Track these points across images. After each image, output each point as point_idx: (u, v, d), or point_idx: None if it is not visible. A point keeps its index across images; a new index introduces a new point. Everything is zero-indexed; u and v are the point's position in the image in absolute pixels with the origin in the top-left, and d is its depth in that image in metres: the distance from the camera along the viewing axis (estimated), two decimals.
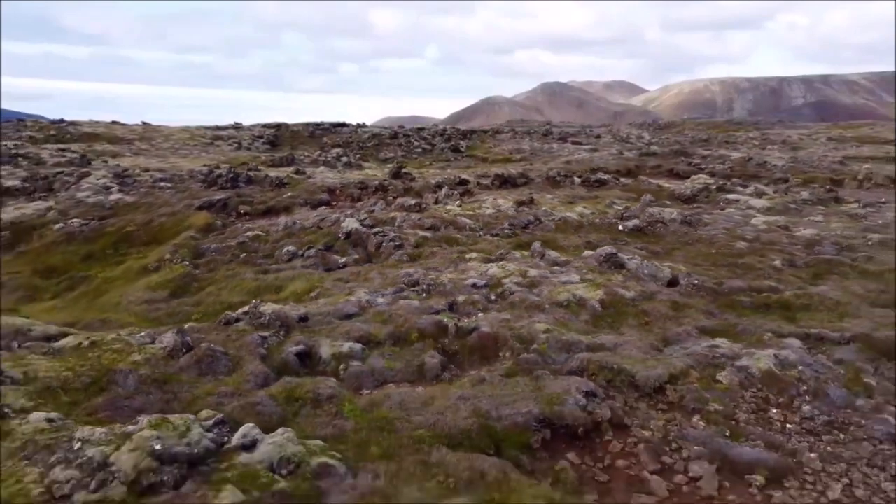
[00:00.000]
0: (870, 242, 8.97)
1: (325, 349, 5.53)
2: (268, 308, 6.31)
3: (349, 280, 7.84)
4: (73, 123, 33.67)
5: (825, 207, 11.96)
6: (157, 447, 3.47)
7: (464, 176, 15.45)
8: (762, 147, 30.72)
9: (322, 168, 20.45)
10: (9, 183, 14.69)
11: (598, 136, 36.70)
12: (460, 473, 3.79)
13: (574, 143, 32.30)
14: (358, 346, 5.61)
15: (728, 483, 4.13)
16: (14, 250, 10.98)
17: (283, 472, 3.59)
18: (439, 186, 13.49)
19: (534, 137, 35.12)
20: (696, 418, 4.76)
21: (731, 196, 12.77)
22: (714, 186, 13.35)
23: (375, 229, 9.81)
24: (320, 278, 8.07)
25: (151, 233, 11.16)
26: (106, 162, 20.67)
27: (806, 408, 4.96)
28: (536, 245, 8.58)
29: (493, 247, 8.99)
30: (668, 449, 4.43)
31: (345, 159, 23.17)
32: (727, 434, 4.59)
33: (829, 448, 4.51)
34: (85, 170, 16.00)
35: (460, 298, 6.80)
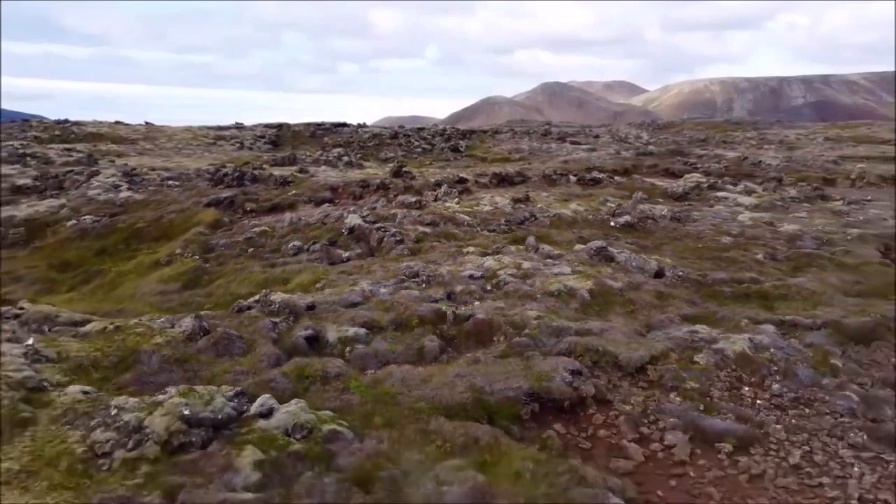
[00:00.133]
0: (849, 237, 9.40)
1: (332, 333, 5.96)
2: (277, 297, 6.74)
3: (353, 272, 8.25)
4: (77, 123, 34.07)
5: (811, 205, 12.38)
6: (186, 412, 3.90)
7: (463, 175, 15.87)
8: (759, 147, 31.08)
9: (324, 167, 20.86)
10: (21, 182, 15.11)
11: (597, 136, 37.08)
12: (456, 439, 4.21)
13: (573, 142, 32.68)
14: (362, 330, 6.02)
15: (699, 450, 4.55)
16: (29, 246, 11.40)
17: (298, 436, 4.01)
18: (439, 185, 13.91)
19: (533, 137, 35.51)
20: (673, 395, 5.19)
21: (721, 194, 13.20)
22: (705, 185, 13.78)
23: (377, 225, 10.23)
24: (325, 271, 8.49)
25: (161, 229, 11.58)
26: (113, 162, 21.10)
27: (775, 386, 5.39)
28: (531, 240, 9.00)
29: (490, 241, 9.41)
30: (646, 421, 4.85)
31: (346, 159, 23.58)
32: (701, 408, 5.01)
33: (793, 420, 4.93)
34: (94, 169, 16.42)
35: (458, 288, 7.22)
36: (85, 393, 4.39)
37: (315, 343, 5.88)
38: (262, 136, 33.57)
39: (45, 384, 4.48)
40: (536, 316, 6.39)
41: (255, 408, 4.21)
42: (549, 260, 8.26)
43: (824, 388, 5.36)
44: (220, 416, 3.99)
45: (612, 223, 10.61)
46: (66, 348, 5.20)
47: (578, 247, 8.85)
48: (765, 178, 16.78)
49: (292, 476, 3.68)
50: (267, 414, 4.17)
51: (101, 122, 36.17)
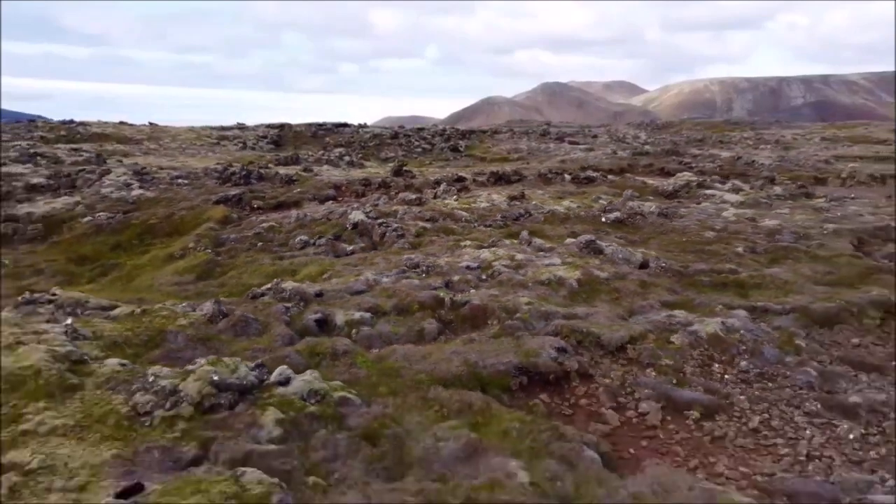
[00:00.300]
0: (825, 232, 9.93)
1: (340, 317, 6.50)
2: (288, 285, 7.30)
3: (357, 264, 8.80)
4: (82, 124, 34.57)
5: (794, 202, 12.92)
6: (215, 378, 4.44)
7: (461, 174, 16.41)
8: (755, 147, 31.52)
9: (326, 167, 21.38)
10: (35, 180, 15.65)
11: (595, 136, 37.57)
12: (452, 405, 4.75)
13: (571, 142, 33.18)
14: (367, 314, 6.57)
15: (670, 417, 5.09)
16: (47, 241, 11.94)
17: (312, 401, 4.55)
18: (438, 183, 14.45)
19: (531, 137, 36.02)
20: (649, 370, 5.73)
21: (709, 192, 13.73)
22: (695, 183, 14.31)
23: (379, 221, 10.77)
24: (331, 263, 9.03)
25: (173, 225, 12.12)
26: (121, 161, 21.64)
27: (743, 363, 5.93)
28: (524, 234, 9.54)
29: (486, 236, 9.96)
30: (623, 392, 5.39)
31: (347, 158, 24.10)
32: (674, 382, 5.55)
33: (756, 392, 5.47)
34: (105, 168, 16.96)
35: (455, 278, 7.76)
36: (122, 365, 4.94)
37: (324, 325, 6.42)
38: (265, 137, 34.06)
39: (86, 357, 5.02)
40: (527, 302, 6.93)
41: (274, 377, 4.75)
42: (541, 252, 8.80)
43: (787, 365, 5.91)
44: (244, 383, 4.54)
45: (603, 219, 11.15)
46: (100, 328, 5.75)
47: (569, 240, 9.40)
48: (758, 177, 17.30)
49: (309, 432, 4.23)
50: (285, 382, 4.71)
51: (105, 123, 36.68)
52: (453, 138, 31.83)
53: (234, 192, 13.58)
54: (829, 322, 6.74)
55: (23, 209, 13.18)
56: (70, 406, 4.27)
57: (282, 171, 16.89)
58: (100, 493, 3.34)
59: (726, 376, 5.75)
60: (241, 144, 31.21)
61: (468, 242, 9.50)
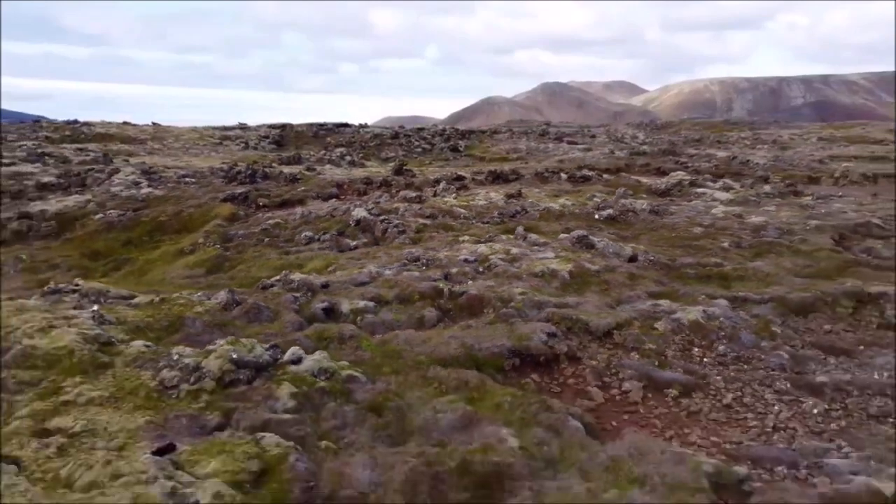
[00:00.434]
0: (808, 227, 10.37)
1: (345, 305, 6.94)
2: (296, 277, 7.74)
3: (361, 258, 9.23)
4: (86, 124, 35.02)
5: (781, 199, 13.35)
6: (234, 356, 4.88)
7: (460, 173, 16.85)
8: (752, 147, 31.89)
9: (328, 166, 21.82)
10: (45, 179, 16.09)
11: (594, 136, 38.00)
12: (450, 382, 5.19)
13: (570, 142, 33.61)
14: (371, 303, 7.00)
15: (650, 394, 5.52)
16: (61, 237, 12.38)
17: (322, 377, 4.98)
18: (438, 182, 14.89)
19: (530, 137, 36.46)
20: (633, 354, 6.16)
21: (700, 190, 14.17)
22: (687, 182, 14.75)
23: (381, 217, 11.21)
24: (335, 257, 9.47)
25: (182, 222, 12.55)
26: (127, 161, 22.08)
27: (721, 347, 6.36)
28: (520, 229, 9.98)
29: (484, 231, 10.39)
30: (608, 373, 5.82)
31: (348, 158, 24.54)
32: (656, 364, 5.99)
33: (732, 373, 5.90)
34: (113, 167, 17.40)
35: (453, 270, 8.20)
36: (146, 346, 5.38)
37: (331, 313, 6.86)
38: (267, 137, 34.50)
39: (113, 339, 5.46)
40: (521, 292, 7.37)
41: (287, 356, 5.18)
42: (535, 247, 9.24)
43: (762, 349, 6.34)
44: (260, 361, 4.98)
45: (597, 216, 11.58)
46: (124, 315, 6.19)
47: (563, 236, 9.83)
48: (752, 176, 17.72)
49: (320, 405, 4.66)
50: (297, 361, 5.14)
51: (109, 123, 37.11)
52: (453, 138, 32.26)
53: (240, 190, 14.02)
54: (804, 310, 7.18)
55: (36, 207, 13.62)
56: (103, 381, 4.71)
57: (286, 170, 17.33)
58: (137, 452, 3.77)
59: (705, 359, 6.18)
60: (243, 144, 31.65)
61: (466, 238, 9.94)
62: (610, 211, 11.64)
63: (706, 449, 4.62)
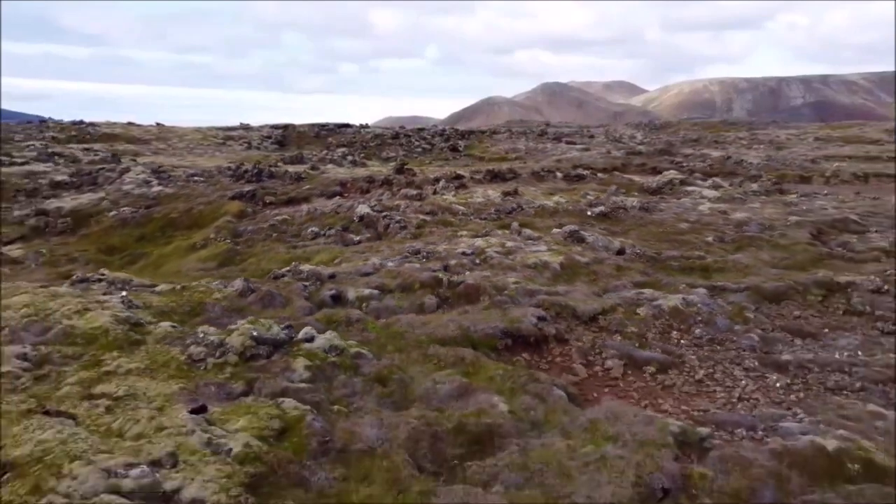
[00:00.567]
0: (788, 223, 10.92)
1: (351, 293, 7.49)
2: (305, 268, 8.30)
3: (364, 252, 9.79)
4: (91, 124, 35.56)
5: (767, 197, 13.90)
6: (255, 334, 5.44)
7: (460, 172, 17.40)
8: (749, 147, 32.34)
9: (330, 165, 22.36)
10: (58, 178, 16.66)
11: (592, 137, 38.50)
12: (447, 359, 5.75)
13: (568, 142, 34.10)
14: (375, 291, 7.56)
15: (630, 371, 6.08)
16: (77, 233, 12.94)
17: (333, 354, 5.54)
18: (437, 180, 15.44)
19: (529, 137, 36.97)
20: (616, 336, 6.72)
21: (690, 188, 14.73)
22: (678, 181, 15.30)
23: (383, 214, 11.77)
24: (341, 251, 10.02)
25: (192, 218, 13.11)
26: (134, 160, 22.64)
27: (697, 331, 6.92)
28: (515, 225, 10.54)
29: (481, 227, 10.95)
30: (592, 353, 6.38)
31: (350, 158, 25.07)
32: (637, 345, 6.54)
33: (706, 353, 6.46)
34: (124, 166, 17.96)
35: (452, 262, 8.75)
36: (173, 326, 5.94)
37: (338, 300, 7.41)
38: (269, 137, 35.00)
39: (143, 321, 6.02)
40: (515, 282, 7.93)
41: (300, 335, 5.74)
42: (529, 241, 9.79)
43: (735, 332, 6.90)
44: (277, 338, 5.54)
45: (589, 213, 12.14)
46: (149, 300, 6.75)
47: (556, 231, 10.39)
48: (745, 175, 18.26)
49: (331, 376, 5.22)
50: (310, 339, 5.70)
51: (114, 123, 37.65)
52: (453, 138, 32.79)
53: (247, 188, 14.58)
54: (777, 298, 7.74)
55: (52, 204, 14.18)
56: (138, 355, 5.27)
57: (290, 169, 17.89)
58: (174, 412, 4.33)
59: (682, 341, 6.74)
60: (246, 144, 32.17)
61: (464, 233, 10.49)
62: (602, 208, 12.19)
63: (676, 416, 5.17)
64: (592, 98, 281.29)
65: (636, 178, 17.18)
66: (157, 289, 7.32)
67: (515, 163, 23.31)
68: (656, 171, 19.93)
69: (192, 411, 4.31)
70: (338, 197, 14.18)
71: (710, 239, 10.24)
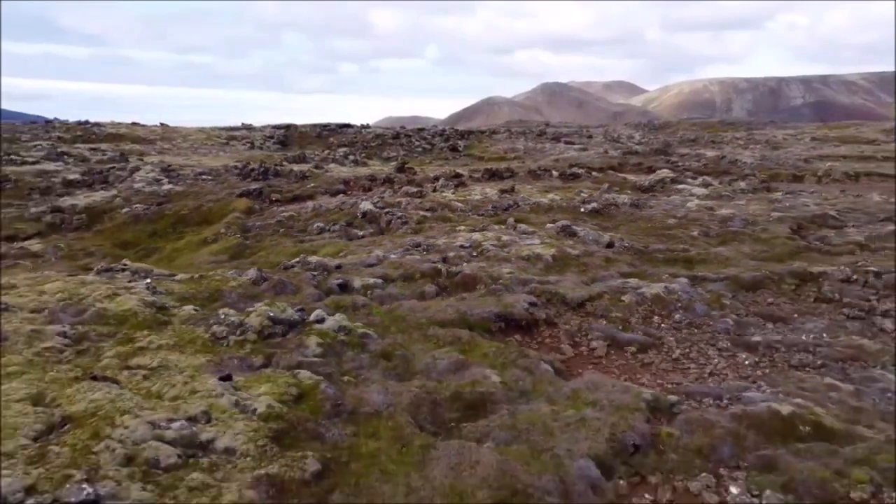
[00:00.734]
0: (770, 219, 11.49)
1: (357, 282, 8.05)
2: (313, 259, 8.86)
3: (368, 245, 10.35)
4: (97, 124, 36.14)
5: (753, 195, 14.47)
6: (271, 314, 6.01)
7: (459, 171, 17.98)
8: (745, 146, 32.86)
9: (333, 165, 22.94)
10: (70, 177, 17.23)
11: (591, 137, 39.06)
12: (446, 338, 6.31)
13: (566, 142, 34.67)
14: (379, 280, 8.12)
15: (613, 351, 6.64)
16: (92, 229, 13.50)
17: (342, 333, 6.10)
18: (437, 179, 16.01)
19: (528, 137, 37.54)
20: (601, 320, 7.28)
21: (681, 186, 15.29)
22: (669, 179, 15.86)
23: (385, 210, 12.33)
24: (345, 244, 10.59)
25: (202, 215, 13.68)
26: (141, 159, 23.22)
27: (677, 316, 7.48)
28: (510, 220, 11.11)
29: (478, 222, 11.51)
30: (579, 335, 6.94)
31: (352, 157, 25.65)
32: (620, 328, 7.11)
33: (684, 335, 7.02)
34: (134, 165, 18.53)
35: (451, 254, 9.32)
36: (196, 309, 6.51)
37: (345, 288, 7.97)
38: (271, 137, 35.55)
39: (167, 305, 6.59)
40: (509, 272, 8.49)
41: (312, 317, 6.31)
42: (524, 235, 10.36)
43: (712, 317, 7.46)
44: (292, 319, 6.10)
45: (582, 209, 12.70)
46: (171, 287, 7.31)
47: (549, 225, 10.96)
48: (738, 175, 18.80)
49: (341, 352, 5.79)
50: (320, 321, 6.27)
51: (119, 123, 38.23)
52: (452, 138, 33.35)
53: (254, 186, 15.15)
54: (753, 287, 8.30)
55: (66, 202, 14.75)
56: (166, 333, 5.84)
57: (295, 168, 18.46)
58: (204, 379, 4.89)
59: (662, 325, 7.30)
60: (249, 144, 32.74)
61: (462, 227, 11.06)
62: (594, 205, 12.76)
63: (651, 387, 5.73)
64: (592, 98, 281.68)
65: (630, 176, 17.75)
66: (177, 277, 7.88)
67: (513, 162, 23.89)
68: (651, 171, 20.48)
69: (221, 378, 4.87)
70: (341, 194, 14.74)
71: (695, 233, 10.80)
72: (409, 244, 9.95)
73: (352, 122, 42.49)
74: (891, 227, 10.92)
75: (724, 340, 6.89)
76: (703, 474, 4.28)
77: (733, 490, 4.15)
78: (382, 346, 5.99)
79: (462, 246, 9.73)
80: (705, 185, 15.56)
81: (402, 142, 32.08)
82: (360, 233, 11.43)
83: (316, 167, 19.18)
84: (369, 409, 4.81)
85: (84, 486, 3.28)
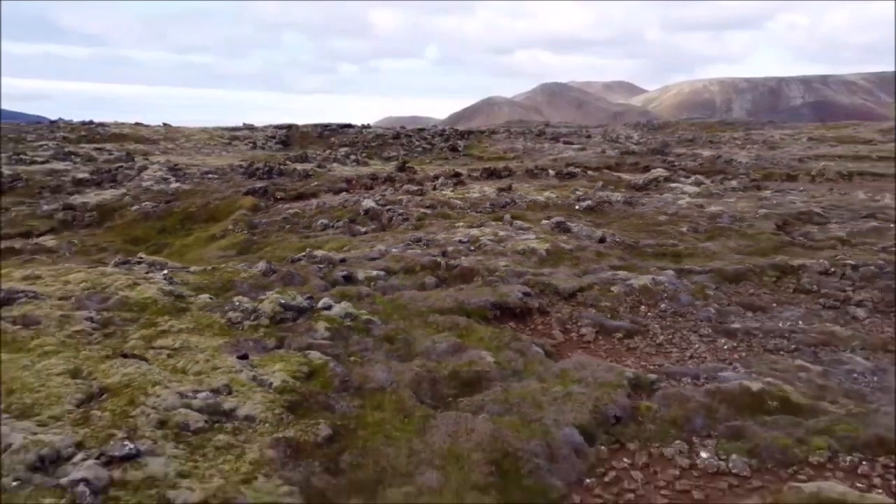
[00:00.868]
0: (757, 215, 11.94)
1: (361, 274, 8.51)
2: (318, 253, 9.32)
3: (370, 240, 10.81)
4: (101, 125, 36.58)
5: (743, 193, 14.93)
6: (282, 302, 6.47)
7: (458, 170, 18.44)
8: (742, 146, 33.24)
9: (335, 164, 23.39)
10: (80, 176, 17.70)
11: (590, 137, 39.49)
12: (445, 324, 6.77)
13: (565, 142, 35.10)
14: (382, 272, 8.58)
15: (601, 337, 7.10)
16: (103, 226, 13.97)
17: (348, 319, 6.56)
18: (437, 177, 16.47)
19: (528, 137, 37.98)
20: (591, 309, 7.74)
21: (674, 184, 15.75)
22: (663, 178, 16.32)
23: (387, 207, 12.79)
24: (349, 240, 11.04)
25: (209, 212, 14.13)
26: (147, 159, 23.68)
27: (663, 305, 7.93)
28: (507, 216, 11.57)
29: (476, 219, 11.97)
30: (570, 322, 7.40)
31: (353, 157, 26.10)
32: (609, 316, 7.56)
33: (668, 323, 7.48)
34: (141, 164, 18.99)
35: (450, 249, 9.78)
36: (211, 298, 6.97)
37: (349, 279, 8.43)
38: (273, 137, 35.97)
39: (184, 294, 7.05)
40: (505, 265, 8.95)
41: (320, 304, 6.77)
42: (520, 231, 10.82)
43: (695, 307, 7.92)
44: (301, 306, 6.56)
45: (577, 207, 13.16)
46: (186, 278, 7.77)
47: (544, 222, 11.42)
48: (733, 174, 19.25)
49: (347, 336, 6.25)
50: (328, 308, 6.73)
51: (122, 123, 38.67)
52: (452, 138, 33.79)
53: (259, 184, 15.61)
54: (736, 279, 8.76)
55: (77, 200, 15.21)
56: (185, 319, 6.30)
57: (298, 167, 18.92)
58: (223, 358, 5.35)
59: (648, 313, 7.76)
60: (251, 144, 33.18)
61: (461, 224, 11.52)
62: (589, 202, 13.22)
63: (634, 368, 6.19)
64: (592, 98, 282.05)
65: (625, 175, 18.21)
66: (191, 269, 8.35)
67: (512, 162, 24.34)
68: (646, 170, 20.91)
69: (239, 357, 5.33)
70: (344, 192, 15.20)
71: (684, 229, 11.26)
72: (410, 239, 10.41)
73: (352, 122, 42.92)
74: (872, 223, 11.38)
75: (705, 327, 7.34)
76: (677, 441, 4.74)
77: (703, 455, 4.61)
78: (386, 331, 6.45)
79: (461, 241, 10.19)
80: (697, 183, 16.01)
81: (402, 142, 32.53)
82: (363, 229, 11.89)
83: (318, 166, 19.64)
84: (374, 385, 5.27)
85: (126, 442, 3.73)
